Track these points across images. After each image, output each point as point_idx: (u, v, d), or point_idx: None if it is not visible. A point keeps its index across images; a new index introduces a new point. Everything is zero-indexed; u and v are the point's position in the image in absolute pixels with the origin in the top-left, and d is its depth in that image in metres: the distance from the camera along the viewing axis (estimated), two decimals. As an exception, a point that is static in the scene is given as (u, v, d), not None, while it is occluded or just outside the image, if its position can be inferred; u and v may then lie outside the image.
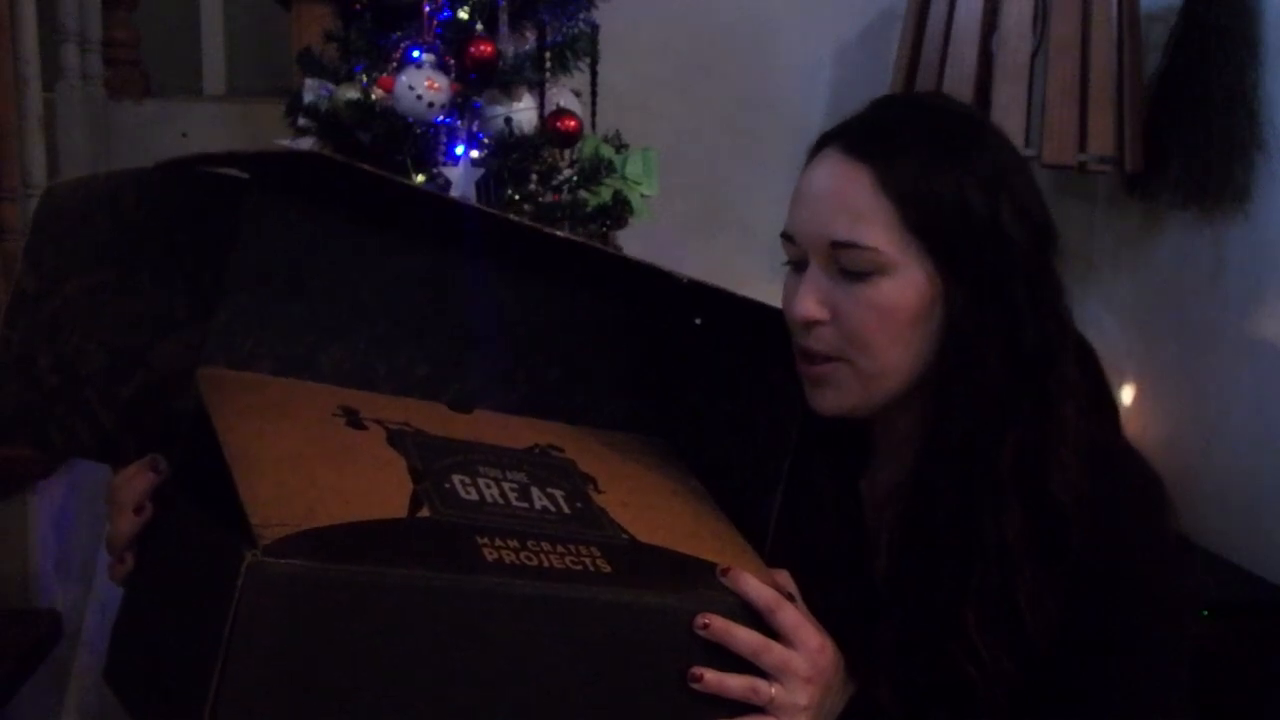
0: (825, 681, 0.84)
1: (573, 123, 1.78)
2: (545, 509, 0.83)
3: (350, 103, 1.71)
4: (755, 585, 0.82)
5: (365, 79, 1.74)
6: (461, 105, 1.73)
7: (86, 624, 1.96)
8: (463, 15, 1.74)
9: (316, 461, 0.77)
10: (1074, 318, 0.94)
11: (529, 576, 0.75)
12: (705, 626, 0.79)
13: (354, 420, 0.84)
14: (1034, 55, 2.18)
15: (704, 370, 0.99)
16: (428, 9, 1.72)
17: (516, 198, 1.73)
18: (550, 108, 1.79)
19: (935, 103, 0.99)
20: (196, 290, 0.85)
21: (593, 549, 0.80)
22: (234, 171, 0.85)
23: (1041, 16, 2.18)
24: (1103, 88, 2.16)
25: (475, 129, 1.75)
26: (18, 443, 0.85)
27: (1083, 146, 2.17)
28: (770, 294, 0.95)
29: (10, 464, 1.77)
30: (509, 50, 1.76)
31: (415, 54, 1.72)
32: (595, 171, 1.81)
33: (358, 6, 1.78)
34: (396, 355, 0.91)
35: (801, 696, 0.82)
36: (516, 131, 1.75)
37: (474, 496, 0.80)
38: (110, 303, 0.83)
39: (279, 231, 0.86)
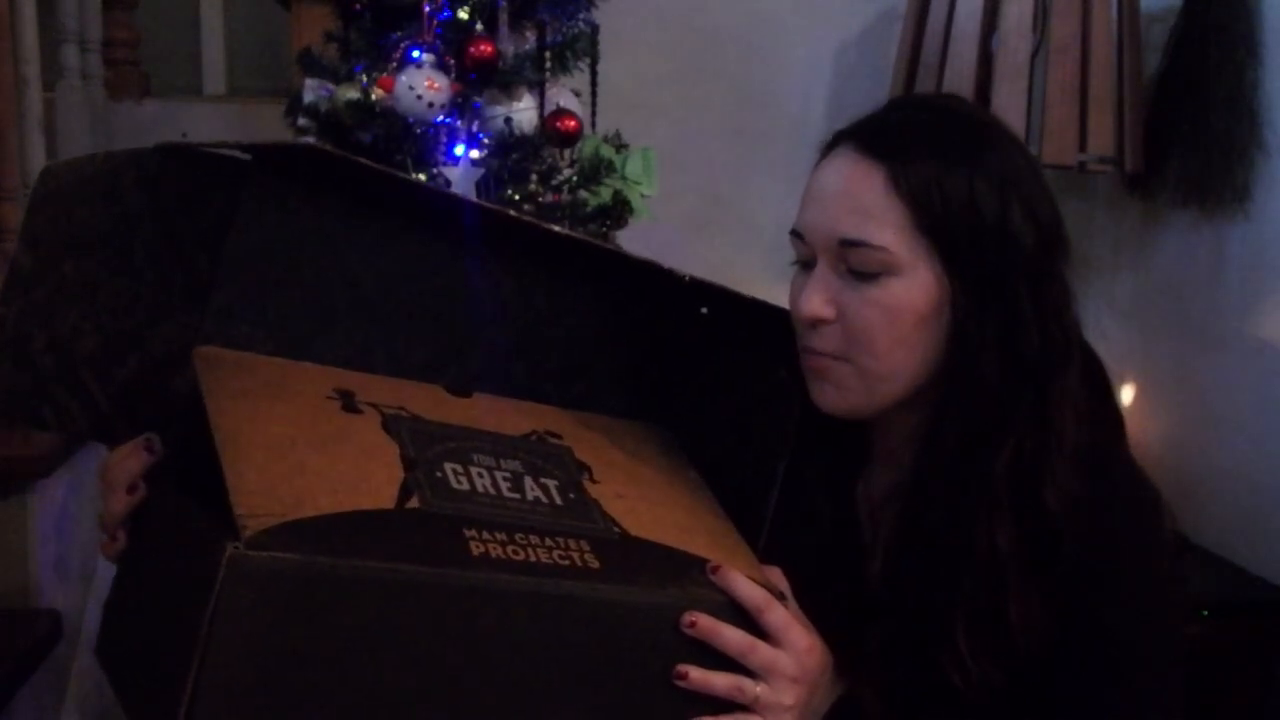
0: (812, 682, 0.84)
1: (573, 123, 1.78)
2: (537, 500, 0.82)
3: (350, 103, 1.71)
4: (745, 584, 0.82)
5: (365, 79, 1.74)
6: (461, 105, 1.73)
7: (86, 624, 1.95)
8: (463, 15, 1.74)
9: (307, 447, 0.77)
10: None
11: (515, 571, 0.75)
12: (692, 625, 0.79)
13: (349, 404, 0.83)
14: (1034, 55, 2.18)
15: (703, 366, 0.99)
16: (428, 9, 1.72)
17: (516, 198, 1.73)
18: (550, 108, 1.78)
19: (950, 105, 0.98)
20: (194, 273, 0.85)
21: (582, 543, 0.79)
22: (233, 152, 0.85)
23: (1041, 16, 2.18)
24: (1103, 88, 2.16)
25: (475, 129, 1.75)
26: (12, 422, 0.85)
27: (1083, 146, 2.17)
28: (770, 294, 0.95)
29: (10, 464, 1.77)
30: (509, 50, 1.76)
31: (415, 54, 1.72)
32: (595, 171, 1.81)
33: (358, 6, 1.78)
34: (394, 341, 0.91)
35: (787, 696, 0.82)
36: (516, 131, 1.75)
37: (465, 486, 0.80)
38: (107, 284, 0.83)
39: (278, 215, 0.86)
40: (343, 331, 0.89)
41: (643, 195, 1.87)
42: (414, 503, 0.76)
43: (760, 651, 0.81)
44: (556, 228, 0.89)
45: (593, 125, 1.90)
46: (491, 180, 1.71)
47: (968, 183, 0.88)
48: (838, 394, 0.92)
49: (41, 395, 0.84)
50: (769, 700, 0.81)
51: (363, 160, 0.79)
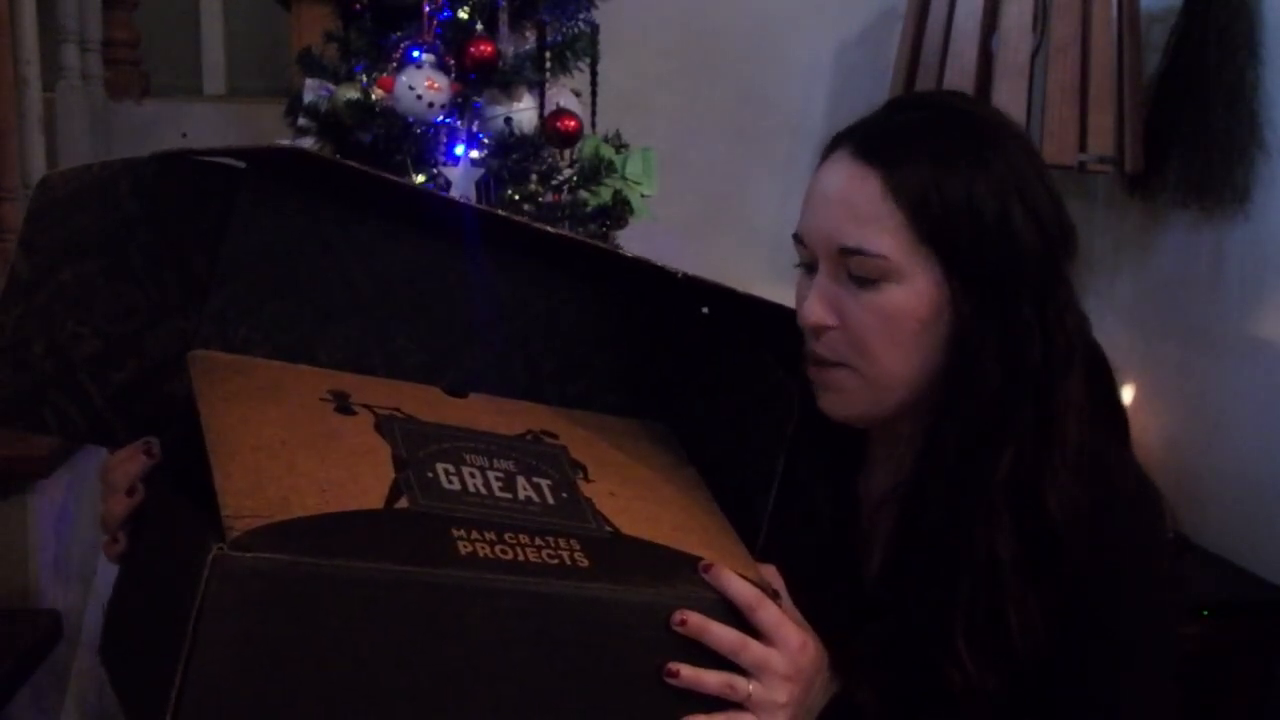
0: (806, 680, 0.83)
1: (573, 123, 1.78)
2: (529, 499, 0.82)
3: (350, 103, 1.71)
4: (736, 582, 0.82)
5: (365, 79, 1.74)
6: (461, 105, 1.73)
7: (86, 624, 1.96)
8: (463, 15, 1.74)
9: (298, 448, 0.77)
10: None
11: (503, 570, 0.75)
12: (682, 623, 0.79)
13: (343, 405, 0.83)
14: (1034, 55, 2.18)
15: (701, 366, 0.99)
16: (428, 9, 1.72)
17: (516, 198, 1.73)
18: (550, 108, 1.79)
19: (950, 102, 0.97)
20: (191, 277, 0.86)
21: (572, 542, 0.79)
22: (229, 160, 0.85)
23: (1041, 16, 2.18)
24: (1103, 88, 2.16)
25: (475, 129, 1.75)
26: (11, 426, 0.85)
27: (1083, 146, 2.17)
28: (769, 294, 0.95)
29: (10, 464, 1.77)
30: (509, 50, 1.76)
31: (415, 54, 1.72)
32: (595, 171, 1.81)
33: (358, 6, 1.78)
34: (392, 343, 0.91)
35: (780, 694, 0.82)
36: (516, 131, 1.75)
37: (455, 486, 0.80)
38: (104, 289, 0.84)
39: (273, 219, 0.86)
40: (340, 334, 0.89)
41: (643, 195, 1.86)
42: (403, 503, 0.76)
43: (752, 649, 0.81)
44: (550, 228, 0.89)
45: (593, 125, 1.90)
46: (491, 180, 1.71)
47: (966, 185, 0.87)
48: (843, 402, 0.92)
49: (41, 399, 0.84)
50: (761, 698, 0.81)
51: (350, 163, 0.80)
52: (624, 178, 1.84)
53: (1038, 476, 0.88)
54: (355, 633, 0.70)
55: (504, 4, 1.74)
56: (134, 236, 0.84)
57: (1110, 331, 2.52)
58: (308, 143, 1.76)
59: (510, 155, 1.73)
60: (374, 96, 1.72)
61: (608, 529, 0.83)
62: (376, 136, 1.70)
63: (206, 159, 0.85)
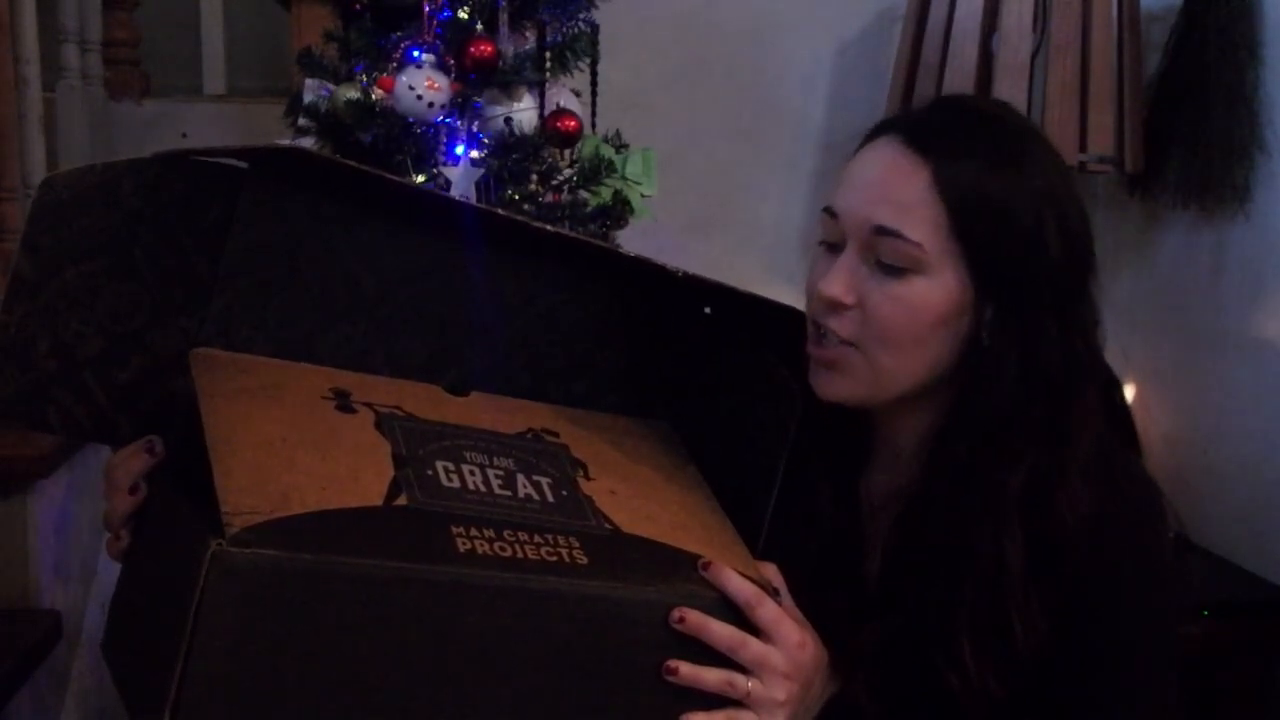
0: (805, 677, 0.84)
1: (573, 123, 1.78)
2: (528, 497, 0.82)
3: (350, 103, 1.71)
4: (735, 580, 0.82)
5: (365, 79, 1.74)
6: (461, 105, 1.73)
7: (86, 624, 1.95)
8: (463, 15, 1.74)
9: (298, 446, 0.77)
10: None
11: (502, 568, 0.75)
12: (681, 620, 0.79)
13: (344, 403, 0.83)
14: (1034, 55, 2.18)
15: (703, 365, 0.99)
16: (428, 9, 1.72)
17: (516, 198, 1.73)
18: (550, 108, 1.78)
19: (998, 111, 0.98)
20: (193, 277, 0.86)
21: (572, 539, 0.79)
22: (231, 160, 0.85)
23: (1041, 16, 2.18)
24: (1103, 88, 2.16)
25: (475, 129, 1.75)
26: (15, 424, 0.86)
27: (1083, 146, 2.17)
28: (769, 294, 0.95)
29: (10, 464, 1.77)
30: (509, 50, 1.76)
31: (415, 54, 1.72)
32: (595, 171, 1.81)
33: (358, 6, 1.78)
34: (394, 342, 0.91)
35: (779, 692, 0.82)
36: (516, 131, 1.75)
37: (455, 484, 0.80)
38: (107, 289, 0.84)
39: (276, 218, 0.86)
40: (342, 333, 0.90)
41: (643, 195, 1.86)
42: (402, 500, 0.76)
43: (751, 647, 0.81)
44: (551, 227, 0.89)
45: (593, 125, 1.90)
46: (491, 180, 1.71)
47: (1007, 192, 0.88)
48: (842, 382, 0.92)
49: (45, 398, 0.85)
50: (761, 695, 0.81)
51: (351, 163, 0.80)
52: (624, 178, 1.84)
53: (1052, 490, 0.88)
54: (354, 628, 0.70)
55: (504, 4, 1.74)
56: (137, 236, 0.84)
57: (1110, 331, 2.52)
58: (308, 143, 1.76)
59: (510, 155, 1.73)
60: (374, 96, 1.71)
61: (607, 527, 0.83)
62: (376, 136, 1.70)
63: (208, 159, 0.85)
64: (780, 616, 0.83)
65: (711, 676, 0.80)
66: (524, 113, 1.77)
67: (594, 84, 1.90)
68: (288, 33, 2.63)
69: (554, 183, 1.78)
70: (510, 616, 0.74)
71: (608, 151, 1.84)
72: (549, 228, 0.89)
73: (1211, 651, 1.94)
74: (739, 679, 0.81)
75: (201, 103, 3.29)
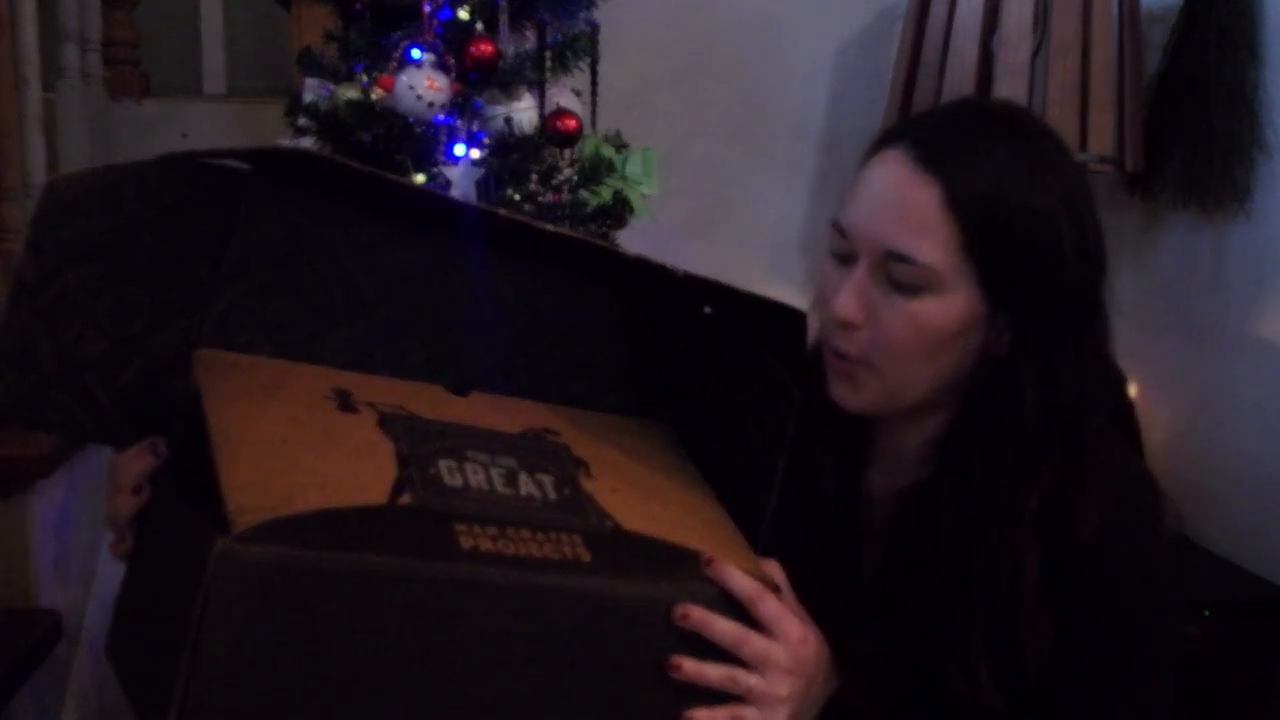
0: (808, 673, 0.84)
1: (573, 123, 1.77)
2: (530, 495, 0.82)
3: (350, 103, 1.71)
4: (738, 576, 0.82)
5: (365, 79, 1.74)
6: (461, 105, 1.73)
7: (86, 624, 1.95)
8: (463, 15, 1.73)
9: (301, 445, 0.77)
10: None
11: (505, 565, 0.75)
12: (684, 617, 0.79)
13: (346, 403, 0.84)
14: (1034, 55, 2.18)
15: (703, 365, 0.99)
16: (428, 9, 1.72)
17: (516, 198, 1.73)
18: (550, 108, 1.78)
19: (1012, 115, 0.96)
20: (195, 279, 0.86)
21: (574, 537, 0.79)
22: (233, 163, 0.86)
23: (1042, 16, 2.18)
24: (1103, 88, 2.16)
25: (475, 129, 1.75)
26: (18, 426, 0.86)
27: (1083, 146, 2.17)
28: (769, 294, 0.95)
29: (10, 464, 1.77)
30: (509, 50, 1.76)
31: (415, 54, 1.72)
32: (595, 171, 1.80)
33: (358, 6, 1.78)
34: (394, 343, 0.91)
35: (782, 687, 0.82)
36: (516, 131, 1.75)
37: (458, 482, 0.80)
38: (110, 292, 0.84)
39: (277, 220, 0.87)
40: (343, 334, 0.90)
41: (643, 195, 1.86)
42: (405, 499, 0.76)
43: (753, 642, 0.81)
44: (550, 226, 0.89)
45: (593, 125, 1.90)
46: (491, 180, 1.71)
47: (1023, 207, 0.87)
48: (856, 394, 0.92)
49: (47, 400, 0.85)
50: (763, 691, 0.81)
51: (355, 164, 0.80)
52: (624, 178, 1.84)
53: (1069, 507, 0.88)
54: (358, 626, 0.70)
55: (504, 4, 1.74)
56: (139, 239, 0.84)
57: (1110, 331, 2.52)
58: (308, 143, 1.76)
59: (510, 155, 1.73)
60: (374, 96, 1.71)
61: (609, 524, 0.83)
62: (376, 136, 1.70)
63: (210, 161, 0.85)
64: (782, 612, 0.83)
65: (714, 672, 0.80)
66: (524, 113, 1.77)
67: (594, 84, 1.90)
68: (288, 33, 2.63)
69: (554, 183, 1.78)
70: (513, 613, 0.75)
71: (608, 151, 1.84)
72: (549, 228, 0.89)
73: (1211, 651, 1.94)
74: (741, 674, 0.81)
75: (201, 103, 3.29)
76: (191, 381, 0.82)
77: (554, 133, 1.77)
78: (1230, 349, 2.20)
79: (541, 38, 1.78)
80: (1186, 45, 2.22)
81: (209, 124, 2.93)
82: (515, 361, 0.96)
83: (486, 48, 1.70)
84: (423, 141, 1.71)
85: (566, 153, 1.83)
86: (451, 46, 1.72)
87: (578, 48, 1.81)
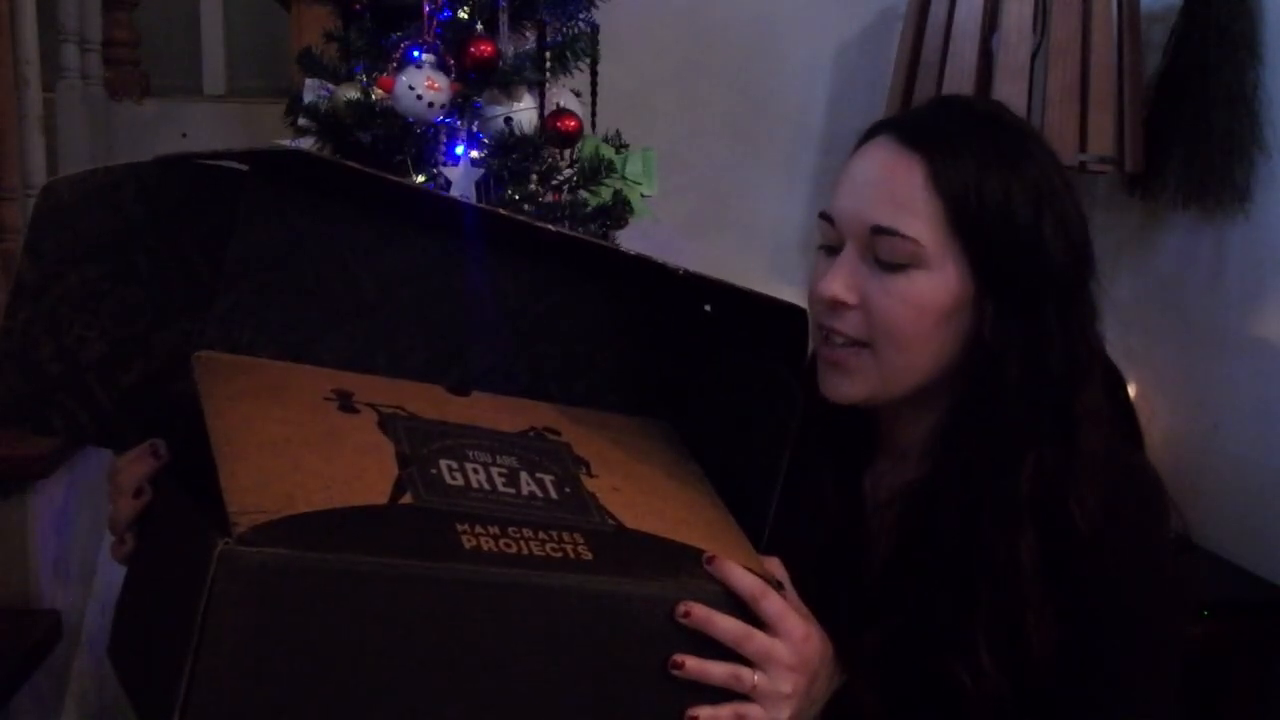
0: (811, 670, 0.84)
1: (573, 123, 1.77)
2: (532, 495, 0.82)
3: (350, 103, 1.71)
4: (740, 573, 0.82)
5: (365, 79, 1.73)
6: (461, 105, 1.73)
7: (86, 624, 1.95)
8: (463, 15, 1.73)
9: (302, 446, 0.77)
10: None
11: (507, 564, 0.75)
12: (686, 615, 0.79)
13: (346, 404, 0.84)
14: (1034, 55, 2.18)
15: (705, 364, 1.00)
16: (428, 9, 1.72)
17: (516, 198, 1.73)
18: (550, 108, 1.78)
19: (993, 110, 0.99)
20: (195, 280, 0.86)
21: (576, 536, 0.80)
22: (232, 164, 0.86)
23: (1041, 16, 2.18)
24: (1103, 88, 2.16)
25: (475, 129, 1.75)
26: (19, 428, 0.86)
27: (1083, 146, 2.17)
28: (769, 293, 0.95)
29: (10, 464, 1.77)
30: (509, 50, 1.76)
31: (415, 54, 1.72)
32: (595, 171, 1.80)
33: (358, 6, 1.78)
34: (395, 343, 0.91)
35: (785, 684, 0.82)
36: (516, 131, 1.75)
37: (459, 482, 0.80)
38: (110, 293, 0.84)
39: (277, 220, 0.87)
40: (343, 334, 0.90)
41: (643, 195, 1.86)
42: (407, 499, 0.76)
43: (756, 640, 0.81)
44: (552, 226, 0.89)
45: (593, 125, 1.90)
46: (491, 180, 1.71)
47: (1005, 189, 0.89)
48: (852, 383, 0.92)
49: (49, 402, 0.85)
50: (766, 689, 0.81)
51: (353, 164, 0.80)
52: (624, 178, 1.84)
53: (1062, 487, 0.88)
54: (360, 626, 0.70)
55: (504, 4, 1.74)
56: (138, 240, 0.84)
57: (1110, 331, 2.52)
58: (308, 143, 1.76)
59: (510, 155, 1.73)
60: (374, 96, 1.71)
61: (611, 523, 0.83)
62: (376, 136, 1.70)
63: (210, 162, 0.85)
64: (785, 610, 0.83)
65: (717, 670, 0.80)
66: (524, 113, 1.77)
67: (594, 84, 1.90)
68: (288, 33, 2.63)
69: (554, 183, 1.78)
70: (516, 612, 0.75)
71: (608, 151, 1.84)
72: (549, 227, 0.89)
73: (1211, 651, 1.94)
74: (745, 672, 0.81)
75: (201, 103, 3.29)
76: (192, 383, 0.82)
77: (554, 133, 1.77)
78: (1229, 349, 2.20)
79: (541, 38, 1.78)
80: (1186, 45, 2.22)
81: (209, 124, 2.93)
82: (516, 361, 0.96)
83: (486, 48, 1.70)
84: (423, 142, 1.71)
85: (566, 153, 1.83)
86: (451, 46, 1.72)
87: (578, 48, 1.81)
